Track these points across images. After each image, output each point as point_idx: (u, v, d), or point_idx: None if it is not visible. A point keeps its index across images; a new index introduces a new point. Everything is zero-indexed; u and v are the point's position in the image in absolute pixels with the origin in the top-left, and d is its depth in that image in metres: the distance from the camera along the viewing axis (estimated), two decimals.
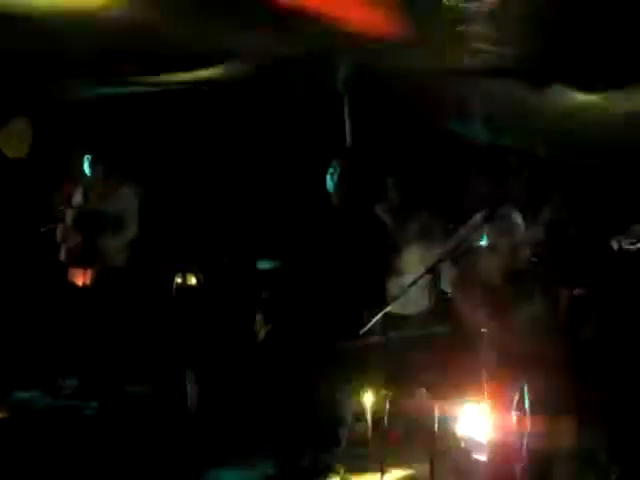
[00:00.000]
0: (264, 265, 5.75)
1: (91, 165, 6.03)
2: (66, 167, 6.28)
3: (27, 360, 6.13)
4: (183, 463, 4.98)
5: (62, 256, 6.04)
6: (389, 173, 5.63)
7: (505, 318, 4.28)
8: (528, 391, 4.33)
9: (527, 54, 4.33)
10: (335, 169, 5.02)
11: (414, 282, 4.57)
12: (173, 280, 5.76)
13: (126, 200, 6.00)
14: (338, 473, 4.91)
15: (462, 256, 4.48)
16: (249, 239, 5.99)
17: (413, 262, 5.42)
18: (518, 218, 4.35)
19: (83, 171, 6.07)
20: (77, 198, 6.07)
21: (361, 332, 4.53)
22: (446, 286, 5.18)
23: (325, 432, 4.99)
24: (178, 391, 5.56)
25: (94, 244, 5.90)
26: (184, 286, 5.73)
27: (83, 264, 5.92)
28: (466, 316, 4.49)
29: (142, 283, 5.96)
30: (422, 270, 5.12)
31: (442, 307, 5.20)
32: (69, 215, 5.98)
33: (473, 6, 3.81)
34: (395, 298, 4.63)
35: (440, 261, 4.49)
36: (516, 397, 4.38)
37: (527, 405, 4.35)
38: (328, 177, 5.03)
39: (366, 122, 5.80)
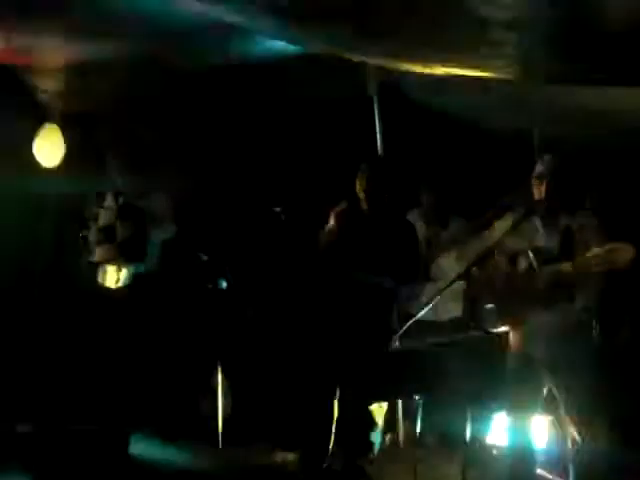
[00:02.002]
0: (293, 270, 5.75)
1: (124, 168, 6.06)
2: (98, 171, 6.29)
3: None
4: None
5: (97, 257, 6.04)
6: (422, 179, 5.62)
7: (533, 322, 4.24)
8: (561, 396, 4.28)
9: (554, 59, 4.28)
10: (365, 173, 5.00)
11: (446, 287, 4.56)
12: (204, 284, 5.75)
13: (159, 202, 6.03)
14: (369, 479, 4.92)
15: (490, 260, 4.44)
16: (281, 243, 5.99)
17: (447, 268, 5.41)
18: (540, 223, 4.32)
19: (115, 174, 6.10)
20: (109, 201, 6.10)
21: (394, 338, 4.54)
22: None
23: (357, 437, 4.99)
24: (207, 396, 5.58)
25: (144, 237, 5.88)
26: (215, 290, 5.72)
27: (132, 259, 5.89)
28: (490, 320, 4.46)
29: (174, 286, 5.98)
30: (452, 275, 5.16)
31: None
32: (107, 217, 5.98)
33: (501, 14, 3.78)
34: (428, 304, 4.61)
35: (473, 266, 4.45)
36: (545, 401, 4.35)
37: (562, 410, 4.30)
38: (358, 182, 5.01)
39: (398, 126, 5.78)
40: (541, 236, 4.31)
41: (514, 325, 4.33)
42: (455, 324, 5.42)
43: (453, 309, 5.53)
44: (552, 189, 4.25)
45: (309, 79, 5.70)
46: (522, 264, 4.26)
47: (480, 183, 6.03)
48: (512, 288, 4.30)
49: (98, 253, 6.06)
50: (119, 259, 5.98)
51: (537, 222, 4.32)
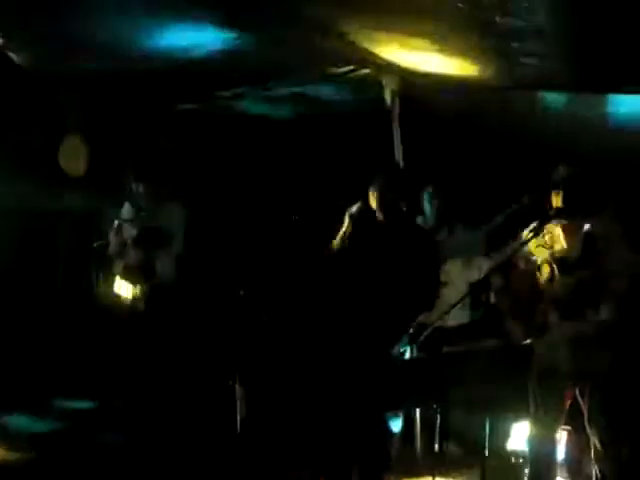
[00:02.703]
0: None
1: (138, 181, 6.07)
2: (115, 183, 6.32)
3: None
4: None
5: (118, 271, 6.07)
6: (430, 185, 5.62)
7: (556, 331, 4.23)
8: (584, 406, 4.27)
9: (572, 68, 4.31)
10: (380, 183, 5.00)
11: (463, 297, 4.54)
12: (221, 295, 5.76)
13: (173, 215, 6.04)
14: None
15: (507, 269, 4.44)
16: (297, 254, 6.00)
17: (453, 274, 5.41)
18: (558, 231, 4.32)
19: (130, 187, 6.12)
20: (125, 213, 6.12)
21: (411, 345, 4.54)
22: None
23: (375, 447, 4.96)
24: (225, 405, 5.56)
25: (153, 260, 5.91)
26: (230, 300, 5.73)
27: (140, 280, 5.95)
28: (513, 329, 4.45)
29: (189, 298, 5.99)
30: (462, 282, 5.16)
31: (492, 320, 5.15)
32: (127, 231, 6.00)
33: (520, 22, 3.81)
34: (444, 313, 4.60)
35: (489, 274, 4.45)
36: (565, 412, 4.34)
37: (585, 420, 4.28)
38: (372, 193, 5.01)
39: (408, 134, 5.80)
40: (562, 244, 4.32)
41: (537, 334, 4.32)
42: (463, 331, 5.41)
43: (460, 316, 5.51)
44: (570, 197, 4.26)
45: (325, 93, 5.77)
46: (545, 273, 4.26)
47: (486, 189, 6.03)
48: (535, 297, 4.29)
49: (114, 267, 6.08)
50: (131, 277, 6.00)
51: (558, 230, 4.33)
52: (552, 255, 4.25)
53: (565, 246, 4.26)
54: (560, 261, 4.21)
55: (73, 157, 6.24)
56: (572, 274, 4.14)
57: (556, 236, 4.30)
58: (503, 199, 5.86)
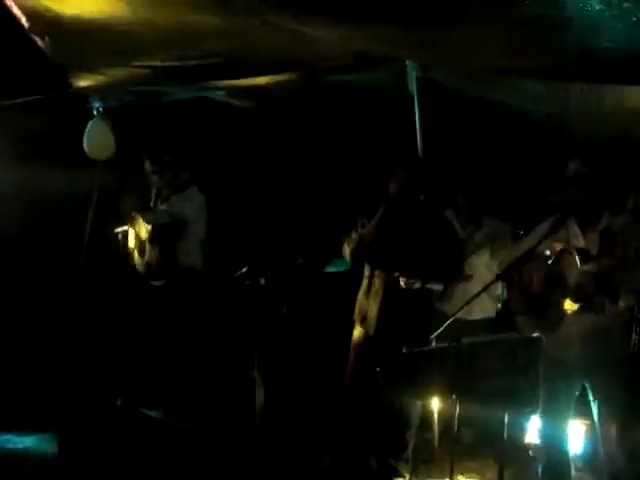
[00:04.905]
0: (332, 268, 5.76)
1: (158, 167, 6.06)
2: (134, 170, 6.31)
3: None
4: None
5: (139, 267, 6.00)
6: (458, 178, 5.60)
7: (571, 323, 4.22)
8: (596, 398, 4.26)
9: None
10: (402, 174, 4.99)
11: (486, 287, 4.53)
12: (242, 281, 5.74)
13: (193, 201, 6.02)
14: (404, 477, 4.91)
15: (527, 262, 4.42)
16: (319, 241, 6.00)
17: (480, 267, 5.40)
18: (576, 226, 4.30)
19: (150, 174, 6.10)
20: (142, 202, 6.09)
21: (431, 337, 4.53)
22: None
23: (392, 436, 4.99)
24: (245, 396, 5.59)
25: (172, 257, 5.84)
26: (253, 287, 5.72)
27: (160, 277, 5.89)
28: (523, 323, 4.44)
29: (213, 285, 5.98)
30: (488, 275, 5.15)
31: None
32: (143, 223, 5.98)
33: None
34: (465, 303, 4.60)
35: (511, 267, 4.43)
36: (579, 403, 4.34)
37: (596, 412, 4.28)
38: (393, 183, 5.00)
39: (433, 125, 5.77)
40: (581, 237, 4.29)
41: (550, 327, 4.30)
42: (487, 324, 5.41)
43: (487, 309, 5.51)
44: (586, 191, 4.23)
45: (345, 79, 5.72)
46: (563, 266, 4.24)
47: (514, 183, 6.00)
48: (549, 290, 4.27)
49: (135, 260, 6.06)
50: (151, 275, 5.98)
51: (576, 224, 4.31)
52: (570, 248, 4.24)
53: (584, 241, 4.26)
54: (580, 252, 4.19)
55: (98, 142, 6.23)
56: (592, 265, 4.12)
57: (575, 231, 4.29)
58: (531, 192, 5.83)
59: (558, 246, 4.30)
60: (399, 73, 5.27)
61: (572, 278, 4.19)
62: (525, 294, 4.41)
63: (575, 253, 4.18)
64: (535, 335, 4.34)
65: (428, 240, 4.92)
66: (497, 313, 5.54)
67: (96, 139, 6.28)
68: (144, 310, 5.85)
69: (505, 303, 5.35)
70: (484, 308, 5.45)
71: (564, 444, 4.43)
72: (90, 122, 6.29)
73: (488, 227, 5.54)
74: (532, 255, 4.31)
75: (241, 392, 5.59)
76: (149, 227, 5.74)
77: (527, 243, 4.48)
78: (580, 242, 4.28)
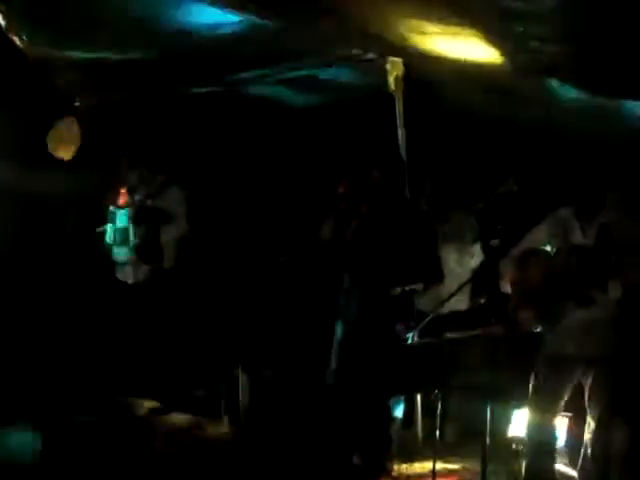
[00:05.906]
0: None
1: (137, 164, 6.05)
2: (113, 168, 6.29)
3: None
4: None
5: (114, 256, 6.05)
6: (424, 171, 5.62)
7: (561, 319, 4.25)
8: (586, 391, 4.29)
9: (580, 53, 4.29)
10: (380, 174, 4.99)
11: (465, 283, 4.55)
12: (229, 277, 5.75)
13: (174, 197, 6.03)
14: (389, 473, 4.92)
15: (520, 256, 4.44)
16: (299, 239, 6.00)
17: (450, 262, 5.41)
18: (574, 220, 4.33)
19: (129, 170, 6.09)
20: (124, 197, 6.09)
21: (413, 332, 4.54)
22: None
23: (376, 433, 4.98)
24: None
25: (157, 240, 5.89)
26: (243, 282, 5.72)
27: (145, 261, 5.93)
28: (521, 316, 4.46)
29: (194, 280, 5.98)
30: (459, 270, 5.18)
31: (496, 307, 5.15)
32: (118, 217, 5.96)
33: (530, 5, 3.79)
34: (445, 300, 4.61)
35: (501, 261, 4.46)
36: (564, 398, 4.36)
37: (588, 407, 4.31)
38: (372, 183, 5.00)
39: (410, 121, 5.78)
40: (577, 234, 4.33)
41: (550, 322, 4.33)
42: (460, 317, 5.41)
43: (458, 303, 5.52)
44: (581, 187, 4.27)
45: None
46: (559, 261, 4.26)
47: (479, 175, 6.02)
48: (549, 285, 4.29)
49: (115, 253, 6.06)
50: (135, 260, 5.98)
51: (573, 220, 4.34)
52: (566, 244, 4.27)
53: (581, 237, 4.29)
54: (577, 249, 4.23)
55: (63, 140, 6.20)
56: (588, 261, 4.15)
57: (571, 226, 4.32)
58: (492, 183, 5.87)
59: (557, 242, 4.34)
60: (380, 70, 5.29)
61: (568, 276, 4.22)
62: (525, 288, 4.43)
63: (572, 252, 4.22)
64: (532, 330, 4.37)
65: (411, 241, 4.91)
66: (485, 306, 5.55)
67: (63, 137, 6.24)
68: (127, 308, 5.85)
69: (494, 295, 5.34)
70: (455, 302, 5.45)
71: (550, 437, 4.45)
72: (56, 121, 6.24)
73: (456, 220, 5.55)
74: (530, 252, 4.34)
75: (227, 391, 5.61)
76: (131, 212, 5.79)
77: (527, 243, 4.51)
78: (577, 238, 4.31)
